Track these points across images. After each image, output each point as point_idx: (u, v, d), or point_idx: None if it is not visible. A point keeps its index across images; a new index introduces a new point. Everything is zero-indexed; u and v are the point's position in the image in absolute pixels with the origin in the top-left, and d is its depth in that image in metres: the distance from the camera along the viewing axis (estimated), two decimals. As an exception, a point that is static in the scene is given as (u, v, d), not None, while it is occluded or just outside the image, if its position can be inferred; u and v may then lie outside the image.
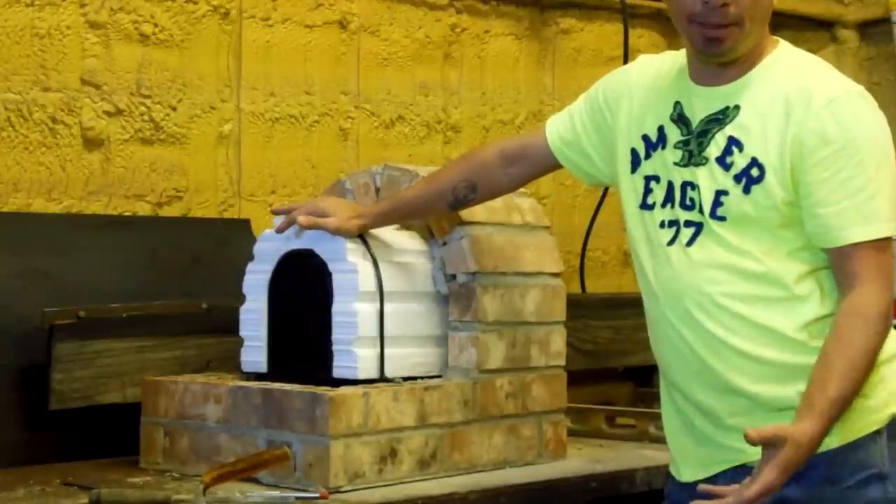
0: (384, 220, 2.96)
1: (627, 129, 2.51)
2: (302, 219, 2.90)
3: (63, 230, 3.35)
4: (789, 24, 5.08)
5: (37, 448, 3.09)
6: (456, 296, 3.02)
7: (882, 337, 2.29)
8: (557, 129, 2.71)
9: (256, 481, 2.77)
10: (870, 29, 5.28)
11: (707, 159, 2.37)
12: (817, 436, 2.23)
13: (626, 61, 4.31)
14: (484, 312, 3.00)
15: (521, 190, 3.07)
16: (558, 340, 3.16)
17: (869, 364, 2.27)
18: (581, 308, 3.79)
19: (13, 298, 3.12)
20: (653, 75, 2.51)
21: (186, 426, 2.95)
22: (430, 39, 4.25)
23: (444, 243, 3.05)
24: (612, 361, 4.14)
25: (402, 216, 2.98)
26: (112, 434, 3.14)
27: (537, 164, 2.77)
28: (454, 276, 3.03)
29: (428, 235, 3.08)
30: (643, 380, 4.12)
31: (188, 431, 2.95)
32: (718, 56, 2.37)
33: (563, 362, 3.18)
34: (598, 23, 4.65)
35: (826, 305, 2.33)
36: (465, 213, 3.00)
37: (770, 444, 2.19)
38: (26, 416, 3.11)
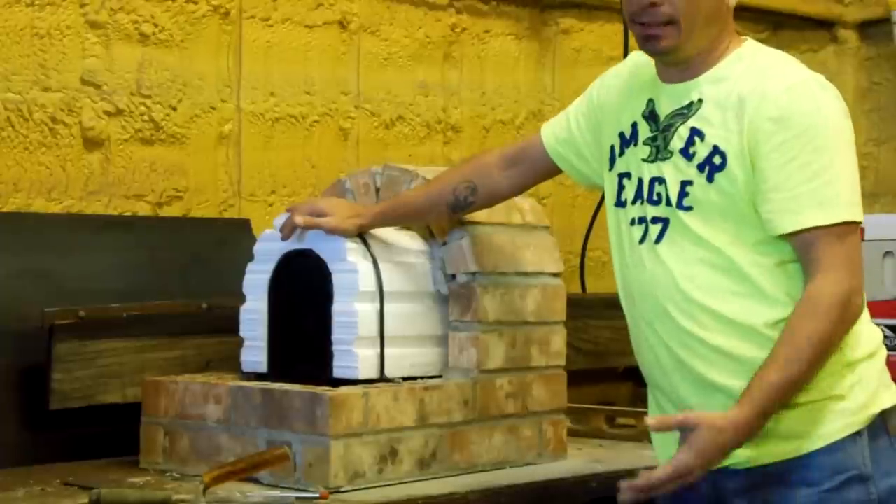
0: (383, 220, 2.95)
1: (609, 126, 2.53)
2: (299, 219, 2.90)
3: (63, 230, 3.35)
4: (789, 24, 5.09)
5: (37, 448, 3.09)
6: (456, 296, 3.02)
7: (836, 326, 2.26)
8: (553, 129, 2.72)
9: (256, 481, 2.77)
10: (870, 29, 5.28)
11: (672, 152, 2.38)
12: (745, 421, 2.22)
13: (626, 61, 4.31)
14: (484, 312, 3.00)
15: (522, 190, 3.06)
16: (558, 340, 3.16)
17: (818, 351, 2.24)
18: (581, 308, 3.79)
19: (13, 298, 3.12)
20: (634, 73, 2.53)
21: (186, 426, 2.95)
22: (430, 39, 4.25)
23: (445, 243, 3.05)
24: (612, 361, 4.14)
25: (402, 216, 2.98)
26: (112, 434, 3.14)
27: (535, 167, 2.77)
28: (454, 276, 3.03)
29: (428, 235, 3.08)
30: (643, 380, 4.11)
31: (188, 431, 2.95)
32: (659, 54, 2.40)
33: (563, 362, 3.18)
34: (598, 23, 4.65)
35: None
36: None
37: (682, 430, 2.22)
38: (26, 416, 3.10)
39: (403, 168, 3.12)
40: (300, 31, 3.93)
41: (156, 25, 3.62)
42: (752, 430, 2.24)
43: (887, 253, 4.14)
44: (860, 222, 2.31)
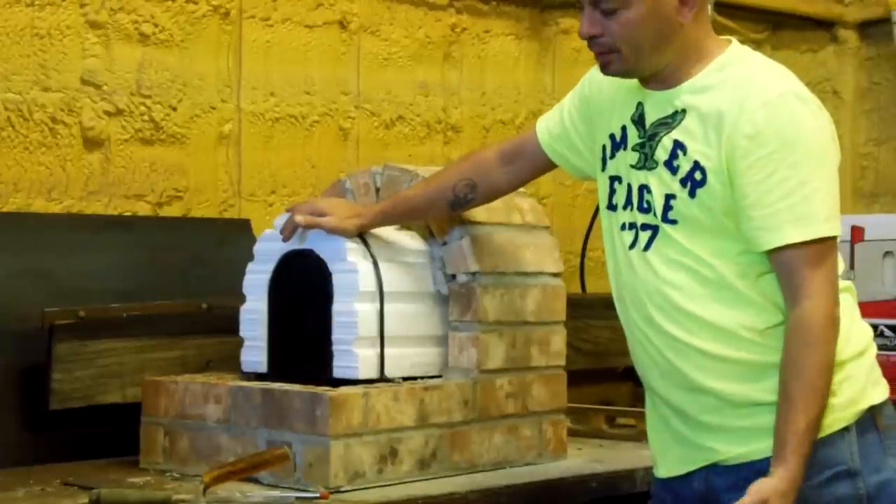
0: (383, 219, 2.95)
1: (600, 124, 2.54)
2: (299, 218, 2.90)
3: (63, 230, 3.35)
4: (789, 24, 5.09)
5: (37, 448, 3.09)
6: (456, 296, 3.02)
7: (833, 345, 2.29)
8: (547, 124, 2.73)
9: (256, 481, 2.77)
10: (870, 29, 5.28)
11: (657, 163, 2.39)
12: (797, 474, 2.25)
13: (626, 61, 4.31)
14: (484, 312, 3.00)
15: (521, 190, 3.06)
16: (558, 340, 3.16)
17: (827, 379, 2.28)
18: (581, 308, 3.79)
19: (13, 298, 3.12)
20: None
21: (186, 426, 2.95)
22: (430, 39, 4.25)
23: (445, 243, 3.05)
24: (612, 361, 4.14)
25: (402, 215, 2.98)
26: (112, 434, 3.14)
27: (533, 162, 2.78)
28: (454, 276, 3.03)
29: (428, 235, 3.08)
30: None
31: (188, 431, 2.95)
32: (615, 76, 2.43)
33: (563, 362, 3.18)
34: (599, 23, 4.65)
35: (783, 312, 2.32)
36: (466, 213, 3.00)
37: None
38: (26, 416, 3.11)
39: (403, 168, 3.12)
40: (300, 31, 3.93)
41: (156, 25, 3.62)
42: (800, 481, 2.27)
43: (887, 253, 4.14)
44: (837, 236, 2.33)
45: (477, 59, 4.38)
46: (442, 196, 2.87)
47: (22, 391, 3.10)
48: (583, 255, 4.41)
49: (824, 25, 5.25)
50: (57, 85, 3.45)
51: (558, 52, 4.59)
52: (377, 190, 3.11)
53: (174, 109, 3.66)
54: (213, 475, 2.67)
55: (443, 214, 2.97)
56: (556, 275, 3.17)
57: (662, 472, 2.52)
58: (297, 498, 2.67)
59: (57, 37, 3.45)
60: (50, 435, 3.12)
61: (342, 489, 2.72)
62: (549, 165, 2.77)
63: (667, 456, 2.50)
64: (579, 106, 2.64)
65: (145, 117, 3.60)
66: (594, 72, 2.62)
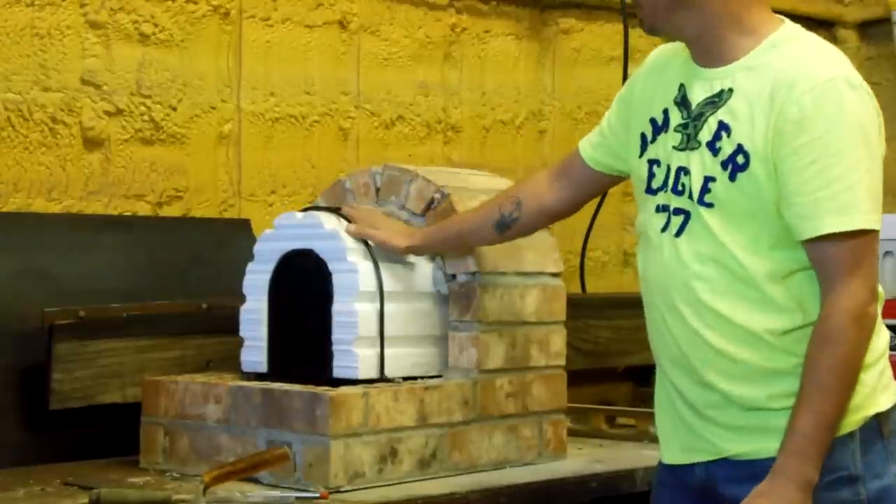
0: (432, 240, 2.94)
1: (639, 115, 2.51)
2: (351, 227, 2.94)
3: (63, 230, 3.35)
4: (789, 24, 5.09)
5: (37, 448, 3.09)
6: (456, 296, 3.02)
7: (854, 345, 2.25)
8: (588, 138, 2.69)
9: (256, 481, 2.78)
10: (870, 29, 5.29)
11: (700, 143, 2.36)
12: (787, 468, 2.24)
13: (626, 61, 4.31)
14: (484, 312, 3.00)
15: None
16: (558, 340, 3.16)
17: (843, 380, 2.24)
18: (581, 308, 3.80)
19: (13, 298, 3.12)
20: (665, 60, 2.51)
21: (186, 426, 2.95)
22: (430, 39, 4.25)
23: (444, 243, 3.05)
24: (612, 361, 4.15)
25: (448, 239, 2.94)
26: (112, 434, 3.14)
27: (579, 178, 2.72)
28: (454, 276, 3.03)
29: (428, 235, 3.08)
30: (643, 380, 4.12)
31: (188, 431, 2.95)
32: (647, 33, 2.45)
33: (563, 362, 3.18)
34: (598, 23, 4.66)
35: (807, 315, 2.30)
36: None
37: None
38: (26, 416, 3.11)
39: (403, 168, 3.12)
40: (300, 31, 3.93)
41: (156, 25, 3.62)
42: (802, 472, 2.25)
43: (887, 253, 4.14)
44: (878, 230, 2.28)
45: (477, 59, 4.38)
46: (489, 217, 2.82)
47: (22, 391, 3.11)
48: (583, 255, 4.41)
49: (824, 25, 5.25)
50: (57, 85, 3.45)
51: (558, 52, 4.59)
52: (377, 190, 3.11)
53: (174, 109, 3.66)
54: (213, 475, 2.67)
55: (490, 238, 2.88)
56: (556, 275, 3.17)
57: (668, 458, 2.50)
58: (297, 498, 2.67)
59: (57, 37, 3.45)
60: (50, 435, 3.12)
61: (342, 489, 2.72)
62: (599, 180, 2.72)
63: (672, 442, 2.48)
64: (617, 110, 2.62)
65: (145, 117, 3.60)
66: (632, 76, 2.61)
